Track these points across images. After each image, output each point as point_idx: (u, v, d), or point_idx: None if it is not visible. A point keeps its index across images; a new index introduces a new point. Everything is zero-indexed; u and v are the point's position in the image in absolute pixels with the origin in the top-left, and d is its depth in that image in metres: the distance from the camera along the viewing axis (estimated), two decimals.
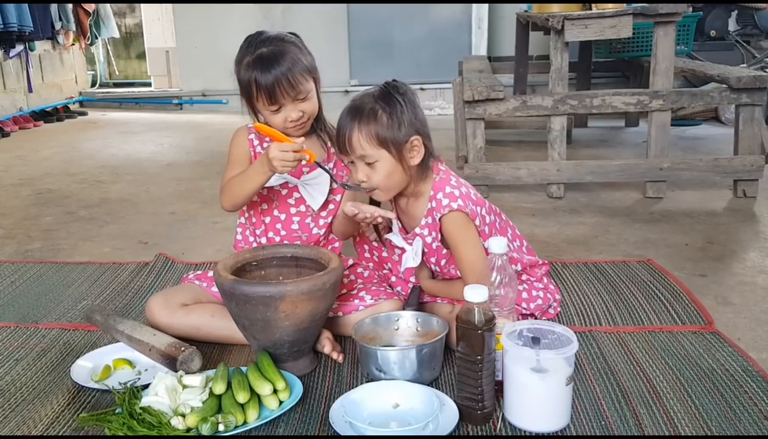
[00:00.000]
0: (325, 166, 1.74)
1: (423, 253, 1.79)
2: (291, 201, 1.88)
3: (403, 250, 1.81)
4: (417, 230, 1.76)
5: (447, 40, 5.96)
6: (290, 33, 1.84)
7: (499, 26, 6.06)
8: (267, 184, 1.82)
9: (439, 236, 1.73)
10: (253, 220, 1.92)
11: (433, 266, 1.84)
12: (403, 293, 1.93)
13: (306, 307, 1.51)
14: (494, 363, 1.41)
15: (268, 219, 1.89)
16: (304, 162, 1.70)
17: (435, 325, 1.65)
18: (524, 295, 1.79)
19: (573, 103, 3.14)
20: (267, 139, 1.86)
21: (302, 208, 1.88)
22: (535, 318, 1.78)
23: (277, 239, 1.89)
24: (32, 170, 4.11)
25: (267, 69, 1.70)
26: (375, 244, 2.01)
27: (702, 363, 1.61)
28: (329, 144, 1.89)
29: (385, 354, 1.52)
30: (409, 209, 1.79)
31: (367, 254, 2.04)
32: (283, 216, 1.88)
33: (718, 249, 2.45)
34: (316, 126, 1.88)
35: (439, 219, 1.69)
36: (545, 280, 1.89)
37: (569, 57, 3.24)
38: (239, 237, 1.96)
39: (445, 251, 1.77)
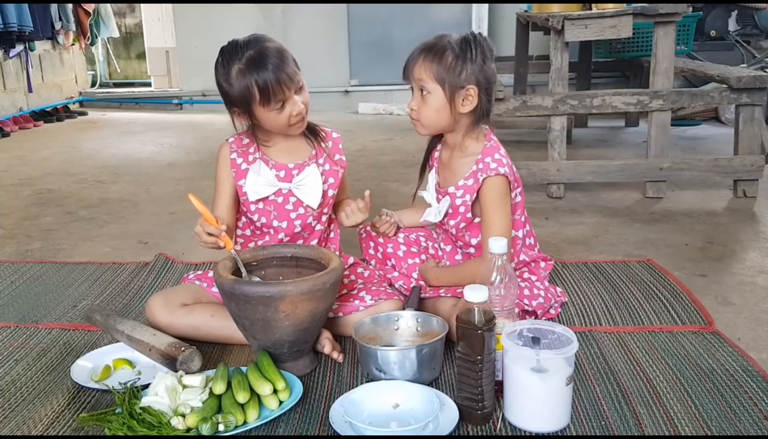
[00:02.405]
0: (239, 258, 1.67)
1: (446, 213, 1.84)
2: (289, 207, 1.87)
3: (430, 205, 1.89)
4: (451, 189, 1.81)
5: None
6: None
7: (499, 26, 6.06)
8: (260, 196, 1.83)
9: (473, 197, 1.77)
10: (248, 233, 1.92)
11: (451, 229, 1.87)
12: (405, 287, 1.94)
13: (306, 307, 1.51)
14: (494, 363, 1.41)
15: (271, 231, 1.89)
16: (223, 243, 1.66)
17: (435, 325, 1.65)
18: (526, 292, 1.80)
19: (573, 103, 3.14)
20: (251, 152, 1.87)
21: (301, 210, 1.88)
22: (537, 316, 1.79)
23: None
24: (32, 170, 4.11)
25: (264, 68, 1.69)
26: (381, 240, 2.03)
27: (702, 363, 1.61)
28: (315, 143, 1.89)
29: (385, 354, 1.52)
30: (452, 163, 1.85)
31: (371, 251, 2.06)
32: (284, 224, 1.87)
33: (718, 249, 2.45)
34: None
35: (483, 179, 1.73)
36: (546, 283, 1.90)
37: (569, 57, 3.23)
38: (238, 247, 1.94)
39: (469, 214, 1.81)
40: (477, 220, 1.81)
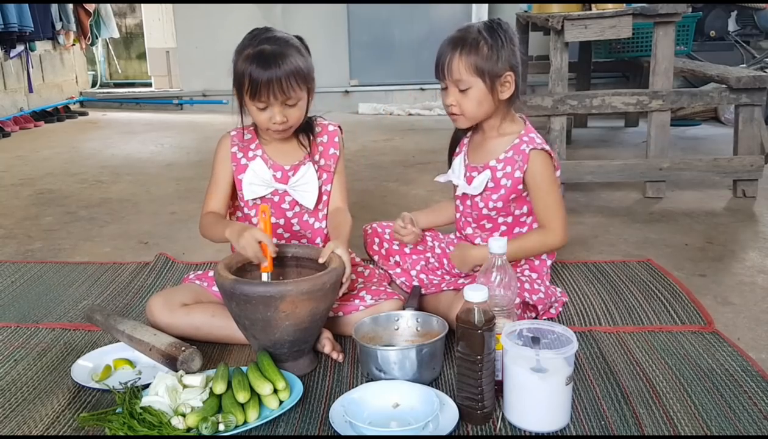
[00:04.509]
0: (269, 279, 1.65)
1: (487, 187, 1.84)
2: (285, 206, 1.88)
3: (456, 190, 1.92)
4: (492, 162, 1.83)
5: None
6: (296, 36, 1.81)
7: None
8: (256, 195, 1.84)
9: (524, 169, 1.79)
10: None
11: (490, 203, 1.85)
12: (407, 284, 1.94)
13: (306, 307, 1.52)
14: (494, 363, 1.41)
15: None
16: (265, 262, 1.64)
17: (435, 325, 1.65)
18: (527, 286, 1.80)
19: (573, 103, 3.14)
20: (251, 148, 1.87)
21: (297, 209, 1.88)
22: (537, 312, 1.79)
23: (282, 241, 1.90)
24: (33, 170, 4.11)
25: (263, 67, 1.69)
26: (386, 237, 2.04)
27: (702, 363, 1.61)
28: (309, 147, 1.87)
29: (385, 354, 1.53)
30: (486, 144, 1.87)
31: (375, 247, 2.07)
32: (281, 221, 1.88)
33: (718, 249, 2.45)
34: (297, 132, 1.86)
35: (530, 151, 1.77)
36: (547, 282, 1.90)
37: (569, 57, 3.23)
38: None
39: (520, 186, 1.82)
40: (524, 193, 1.84)
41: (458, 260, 1.88)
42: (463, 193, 1.90)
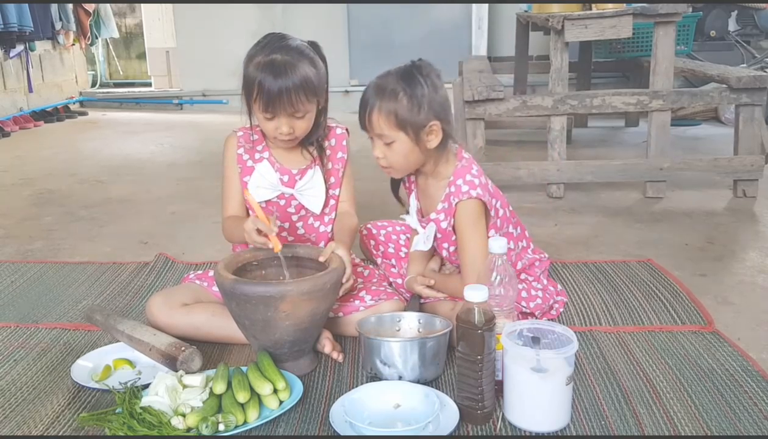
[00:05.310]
0: (284, 260, 1.65)
1: (436, 238, 1.80)
2: (291, 210, 1.87)
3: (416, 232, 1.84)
4: (432, 215, 1.78)
5: (447, 40, 5.95)
6: (311, 42, 1.79)
7: (499, 26, 6.06)
8: (263, 198, 1.83)
9: (453, 220, 1.73)
10: None
11: (444, 252, 1.84)
12: (408, 294, 1.93)
13: (306, 307, 1.52)
14: (494, 363, 1.41)
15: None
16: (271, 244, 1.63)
17: (438, 325, 1.65)
18: (523, 294, 1.80)
19: (573, 103, 3.14)
20: (258, 150, 1.86)
21: (303, 213, 1.88)
22: (536, 318, 1.79)
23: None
24: (32, 170, 4.11)
25: (274, 78, 1.66)
26: (382, 239, 2.03)
27: (702, 363, 1.61)
28: (316, 155, 1.86)
29: (389, 346, 1.52)
30: (428, 189, 1.81)
31: (372, 249, 2.06)
32: (286, 225, 1.88)
33: (718, 249, 2.45)
34: (305, 140, 1.84)
35: (456, 204, 1.70)
36: (545, 281, 1.89)
37: (569, 57, 3.24)
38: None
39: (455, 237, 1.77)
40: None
41: (407, 285, 1.87)
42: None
